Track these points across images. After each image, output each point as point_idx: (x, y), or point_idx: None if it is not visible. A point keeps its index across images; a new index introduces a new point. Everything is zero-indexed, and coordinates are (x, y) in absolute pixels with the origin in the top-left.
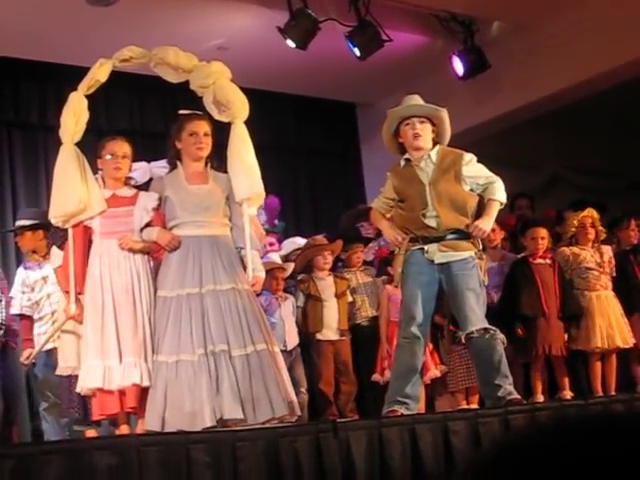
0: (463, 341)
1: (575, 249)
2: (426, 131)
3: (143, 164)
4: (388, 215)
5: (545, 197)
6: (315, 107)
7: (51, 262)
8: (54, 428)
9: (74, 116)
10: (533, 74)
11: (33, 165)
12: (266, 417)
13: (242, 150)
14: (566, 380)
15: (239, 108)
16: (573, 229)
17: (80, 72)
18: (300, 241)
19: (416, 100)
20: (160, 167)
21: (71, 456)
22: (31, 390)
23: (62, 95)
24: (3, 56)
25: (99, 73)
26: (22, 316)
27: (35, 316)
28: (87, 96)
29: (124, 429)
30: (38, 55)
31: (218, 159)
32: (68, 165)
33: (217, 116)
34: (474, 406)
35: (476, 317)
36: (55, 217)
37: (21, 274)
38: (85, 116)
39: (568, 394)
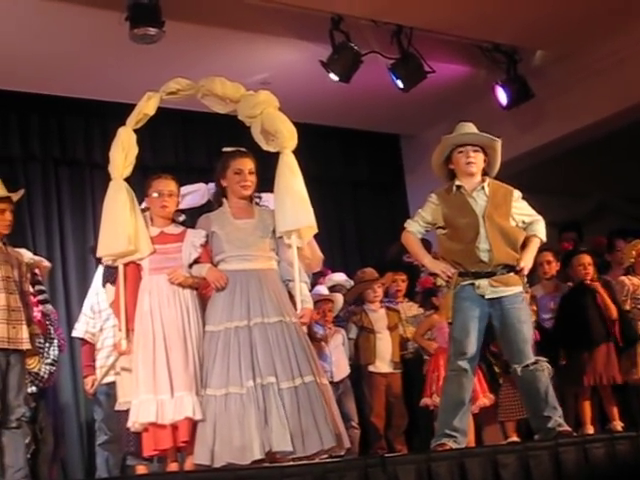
0: (519, 373)
1: (634, 279)
2: (479, 159)
3: (201, 185)
4: (419, 236)
5: (592, 225)
6: (359, 139)
7: (106, 298)
8: (107, 464)
9: (123, 151)
10: (577, 102)
11: (80, 201)
12: (315, 449)
13: (291, 180)
14: (615, 410)
15: (287, 138)
16: (632, 259)
17: (125, 108)
18: (338, 277)
19: (471, 128)
20: (190, 191)
21: None
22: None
23: (107, 132)
24: (50, 94)
25: (147, 107)
26: (84, 341)
27: (98, 345)
28: (134, 131)
29: (173, 466)
30: (83, 92)
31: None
32: (117, 201)
33: (265, 146)
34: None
35: (529, 350)
36: (103, 256)
37: (91, 299)
38: (134, 151)
39: (618, 425)
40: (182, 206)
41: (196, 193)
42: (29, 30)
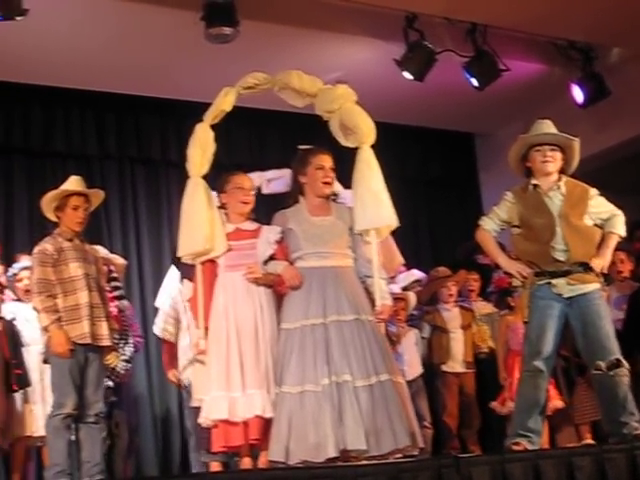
0: (601, 371)
1: None
2: (556, 158)
3: (286, 171)
4: (494, 234)
5: None
6: (433, 138)
7: (184, 294)
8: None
9: (200, 148)
10: None
11: (155, 199)
12: (389, 448)
13: (368, 177)
14: None
15: (366, 133)
16: None
17: (200, 107)
18: (416, 273)
19: (549, 126)
20: (277, 177)
21: None
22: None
23: (183, 130)
24: (126, 93)
25: (224, 103)
26: (163, 339)
27: (181, 343)
28: (211, 127)
29: (247, 462)
30: (159, 91)
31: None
32: (195, 199)
33: (343, 141)
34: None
35: (614, 346)
36: (183, 255)
37: (169, 298)
38: (211, 147)
39: None
40: (267, 191)
41: (282, 179)
42: (106, 30)
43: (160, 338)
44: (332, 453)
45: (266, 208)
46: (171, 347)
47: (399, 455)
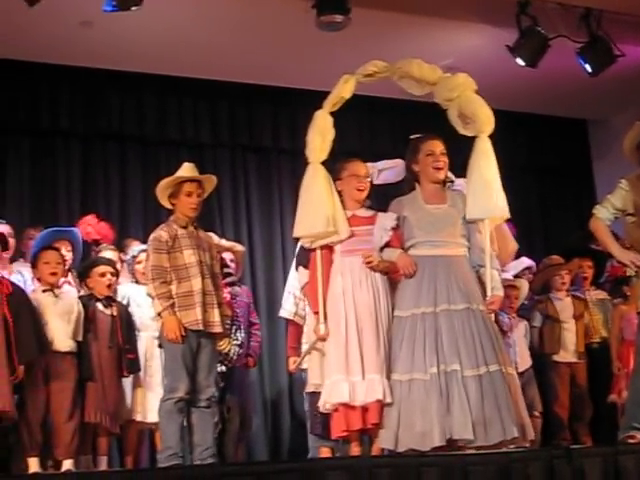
0: None
1: None
2: None
3: (398, 161)
4: (608, 223)
5: None
6: (546, 125)
7: (299, 281)
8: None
9: (320, 134)
10: None
11: (266, 186)
12: (497, 439)
13: (483, 166)
14: None
15: (484, 122)
16: None
17: (311, 95)
18: (527, 261)
19: None
20: (388, 167)
21: (305, 475)
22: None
23: (294, 118)
24: (239, 82)
25: (344, 89)
26: (291, 322)
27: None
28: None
29: (357, 450)
30: (271, 80)
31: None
32: (315, 183)
33: (462, 130)
34: None
35: None
36: (302, 236)
37: (303, 273)
38: (331, 134)
39: None
40: (378, 182)
41: (393, 169)
42: (219, 20)
43: (286, 323)
44: (438, 442)
45: (379, 198)
46: (299, 331)
47: (508, 446)
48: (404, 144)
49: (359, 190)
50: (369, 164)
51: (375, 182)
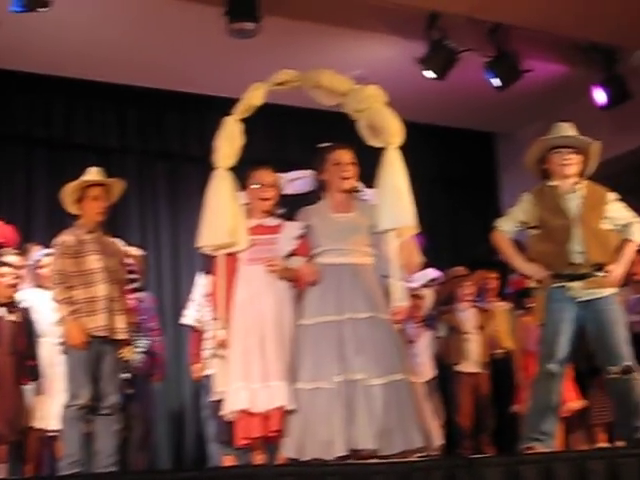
0: (611, 377)
1: None
2: (575, 161)
3: (308, 172)
4: (511, 236)
5: None
6: (454, 137)
7: (207, 287)
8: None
9: (228, 140)
10: None
11: (174, 194)
12: (400, 448)
13: (393, 177)
14: None
15: (393, 133)
16: None
17: (221, 102)
18: (433, 272)
19: (568, 130)
20: (297, 177)
21: None
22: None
23: (203, 125)
24: (148, 87)
25: (254, 97)
26: (193, 328)
27: (206, 335)
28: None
29: (260, 458)
30: (181, 86)
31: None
32: (220, 191)
33: (371, 141)
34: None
35: (625, 351)
36: (204, 246)
37: (202, 287)
38: (239, 141)
39: None
40: (289, 191)
41: (304, 180)
42: (129, 24)
43: (187, 330)
44: (341, 451)
45: (292, 209)
46: (200, 338)
47: (413, 455)
48: (313, 153)
49: (262, 199)
50: (279, 174)
51: (285, 192)
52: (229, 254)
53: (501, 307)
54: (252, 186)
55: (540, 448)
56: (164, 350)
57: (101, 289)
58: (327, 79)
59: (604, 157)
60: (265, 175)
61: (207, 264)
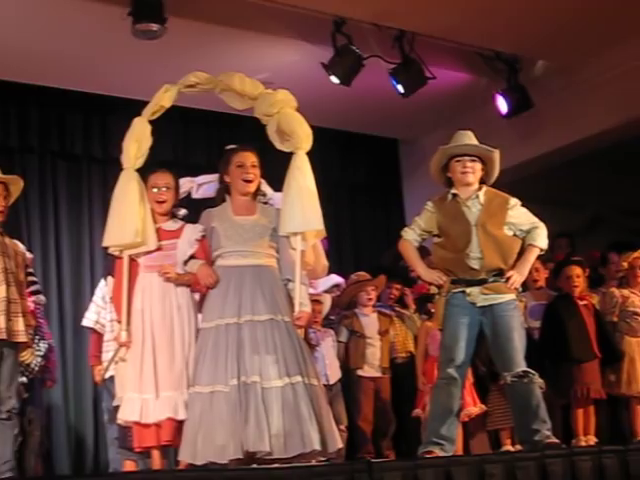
0: (508, 382)
1: (625, 291)
2: (475, 169)
3: (217, 176)
4: (416, 244)
5: (587, 237)
6: (358, 142)
7: (108, 291)
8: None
9: (136, 141)
10: (577, 113)
11: (76, 195)
12: (296, 451)
13: (301, 182)
14: (592, 425)
15: (302, 139)
16: (623, 271)
17: (126, 104)
18: (337, 278)
19: (470, 138)
20: (207, 181)
21: None
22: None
23: (107, 126)
24: (50, 86)
25: (164, 99)
26: (93, 330)
27: (106, 337)
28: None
29: (157, 462)
30: (84, 86)
31: None
32: (127, 191)
33: (279, 146)
34: (518, 447)
35: (520, 358)
36: (110, 245)
37: (103, 289)
38: (147, 142)
39: (591, 440)
40: (197, 196)
41: (212, 184)
42: (32, 22)
43: (88, 332)
44: (234, 454)
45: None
46: (100, 340)
47: (312, 459)
48: (220, 157)
49: (158, 202)
50: (189, 178)
51: (194, 196)
52: (132, 257)
53: (404, 312)
54: (150, 190)
55: (440, 452)
56: (54, 354)
57: (1, 290)
58: (238, 82)
59: (505, 165)
60: (161, 177)
61: (108, 267)
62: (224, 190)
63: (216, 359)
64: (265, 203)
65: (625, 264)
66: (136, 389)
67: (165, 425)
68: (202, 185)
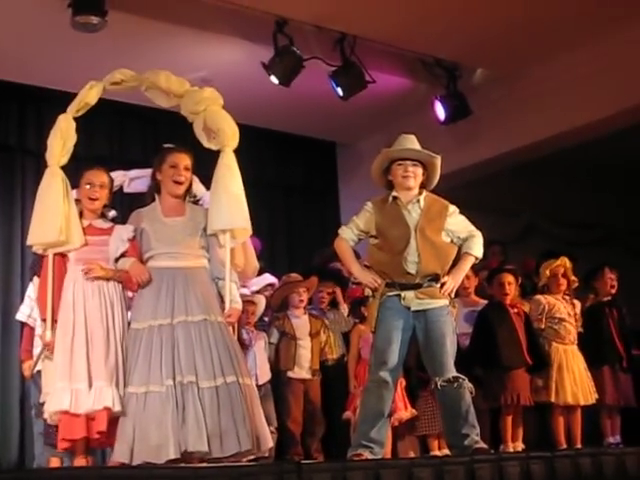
0: (439, 387)
1: (550, 298)
2: (417, 174)
3: (149, 171)
4: (352, 244)
5: (520, 245)
6: (295, 144)
7: (33, 292)
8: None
9: (61, 138)
10: (514, 122)
11: (9, 188)
12: (232, 451)
13: (228, 180)
14: (520, 431)
15: (229, 136)
16: (545, 279)
17: (62, 96)
18: (271, 278)
19: (412, 142)
20: (139, 176)
21: None
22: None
23: (42, 118)
24: None
25: (89, 95)
26: (26, 325)
27: (37, 332)
28: (74, 120)
29: (82, 460)
30: (20, 77)
31: None
32: (51, 189)
33: (206, 143)
34: (445, 452)
35: (451, 364)
36: (34, 244)
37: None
38: (72, 139)
39: (519, 446)
40: (129, 190)
41: (144, 179)
42: None
43: (21, 326)
44: (173, 454)
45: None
46: (33, 334)
47: (244, 458)
48: (155, 153)
49: (90, 199)
50: (121, 172)
51: (126, 190)
52: (59, 254)
53: (335, 314)
54: (83, 186)
55: (369, 455)
56: None
57: None
58: (163, 80)
59: (443, 171)
60: (96, 175)
61: (35, 265)
62: (154, 188)
63: (149, 359)
64: (196, 202)
65: (547, 272)
66: (66, 378)
67: (99, 416)
68: (134, 179)
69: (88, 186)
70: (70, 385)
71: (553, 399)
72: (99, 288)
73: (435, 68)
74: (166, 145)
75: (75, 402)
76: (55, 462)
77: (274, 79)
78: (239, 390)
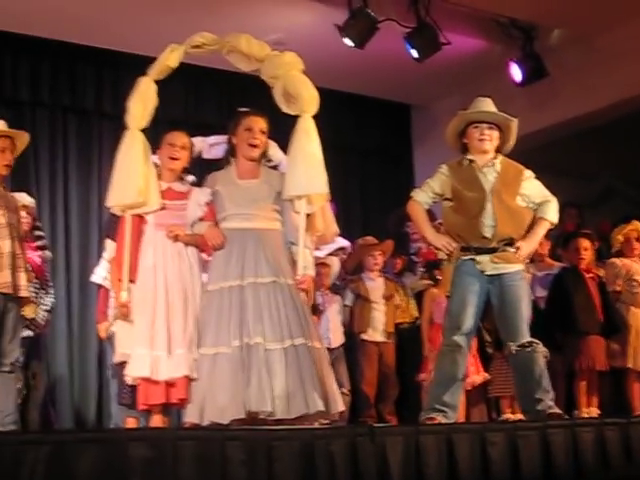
0: (513, 352)
1: (626, 261)
2: (493, 137)
3: (198, 138)
4: (426, 206)
5: (598, 209)
6: (370, 107)
7: (107, 254)
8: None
9: (141, 101)
10: (591, 84)
11: (86, 150)
12: (299, 412)
13: (307, 145)
14: (595, 397)
15: (308, 102)
16: (618, 244)
17: (137, 60)
18: (342, 241)
19: (488, 105)
20: (218, 142)
21: (106, 446)
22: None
23: (118, 82)
24: (63, 40)
25: (170, 59)
26: (101, 286)
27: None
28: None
29: (158, 422)
30: (97, 41)
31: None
32: (131, 152)
33: (285, 109)
34: (519, 416)
35: (525, 329)
36: (113, 205)
37: (111, 245)
38: (153, 102)
39: (594, 412)
40: (208, 156)
41: (223, 145)
42: None
43: (97, 288)
44: (236, 414)
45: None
46: (107, 295)
47: (314, 421)
48: (230, 117)
49: (171, 159)
50: (200, 138)
51: (205, 156)
52: (137, 216)
53: (409, 278)
54: (164, 147)
55: (442, 419)
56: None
57: (6, 245)
58: (244, 44)
59: (519, 133)
60: (178, 137)
61: (111, 228)
62: (230, 152)
63: (219, 321)
64: (274, 167)
65: (620, 237)
66: (147, 345)
67: (179, 383)
68: (213, 146)
69: (169, 146)
70: (150, 352)
71: (630, 364)
72: (179, 252)
73: (511, 29)
74: (240, 109)
75: (155, 369)
76: (131, 422)
77: (348, 41)
78: (307, 352)
